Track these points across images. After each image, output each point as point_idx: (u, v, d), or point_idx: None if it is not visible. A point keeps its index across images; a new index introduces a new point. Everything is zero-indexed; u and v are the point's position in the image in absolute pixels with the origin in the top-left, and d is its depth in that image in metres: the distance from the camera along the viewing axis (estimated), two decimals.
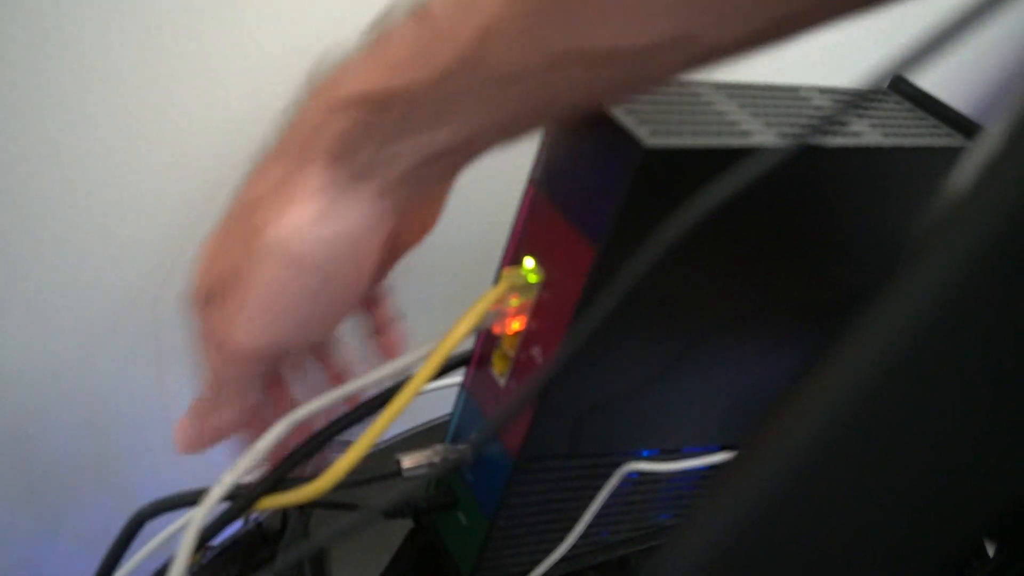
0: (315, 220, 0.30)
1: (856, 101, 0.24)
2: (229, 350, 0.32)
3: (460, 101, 0.28)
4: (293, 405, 0.36)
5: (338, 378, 0.39)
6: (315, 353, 0.39)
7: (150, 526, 0.38)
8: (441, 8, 0.27)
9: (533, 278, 0.34)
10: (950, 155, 0.37)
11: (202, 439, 0.36)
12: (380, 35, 0.29)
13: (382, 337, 0.39)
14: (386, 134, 0.29)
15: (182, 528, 0.36)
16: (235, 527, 0.45)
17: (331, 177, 0.29)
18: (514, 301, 0.35)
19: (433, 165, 0.30)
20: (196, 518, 0.36)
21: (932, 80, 0.41)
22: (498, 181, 0.38)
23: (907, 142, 0.36)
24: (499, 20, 0.26)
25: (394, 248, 0.35)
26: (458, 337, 0.34)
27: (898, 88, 0.41)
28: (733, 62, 0.28)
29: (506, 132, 0.29)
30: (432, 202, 0.35)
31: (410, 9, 0.28)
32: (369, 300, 0.38)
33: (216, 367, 0.33)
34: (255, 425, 0.36)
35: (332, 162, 0.29)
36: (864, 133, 0.35)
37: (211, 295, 0.32)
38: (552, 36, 0.26)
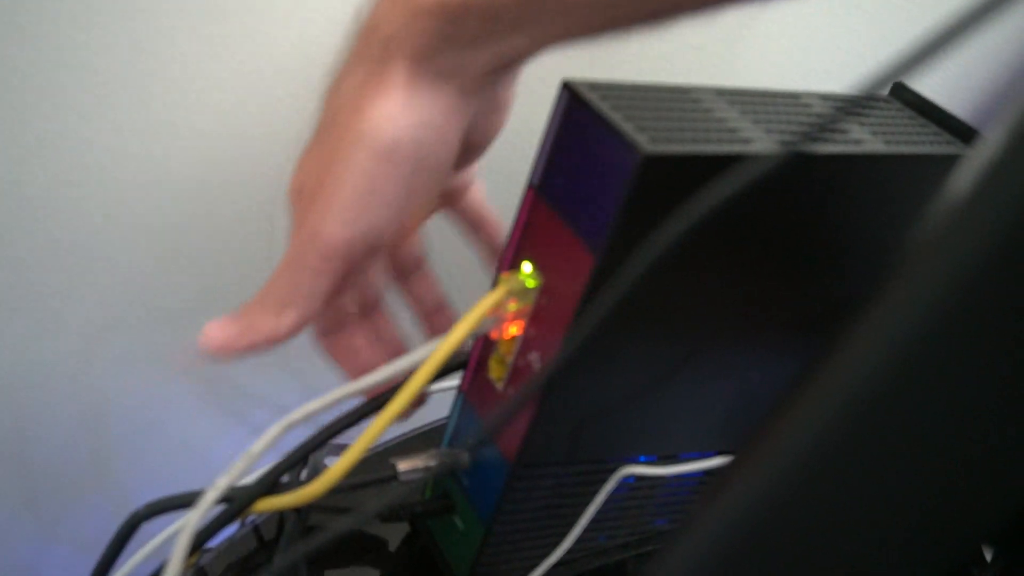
0: (402, 109, 0.31)
1: (850, 107, 0.24)
2: (322, 240, 0.32)
3: (540, 11, 0.29)
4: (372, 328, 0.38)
5: (419, 304, 0.41)
6: (397, 272, 0.40)
7: (147, 528, 0.38)
8: None
9: (531, 283, 0.34)
10: (951, 162, 0.37)
11: (244, 339, 0.35)
12: None
13: (434, 317, 0.41)
14: (465, 42, 0.30)
15: (178, 531, 0.36)
16: (231, 530, 0.45)
17: (414, 73, 0.31)
18: (512, 306, 0.35)
19: (509, 69, 0.32)
20: (191, 521, 0.36)
21: (933, 86, 0.41)
22: (497, 185, 0.38)
23: (908, 149, 0.36)
24: None
25: (467, 150, 0.36)
26: (456, 341, 0.34)
27: (899, 95, 0.41)
28: None
29: (584, 35, 0.30)
30: (501, 105, 0.36)
31: None
32: (408, 266, 0.41)
33: (303, 259, 0.33)
34: (325, 328, 0.38)
35: (414, 63, 0.31)
36: (865, 140, 0.35)
37: (305, 189, 0.33)
38: None
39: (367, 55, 0.32)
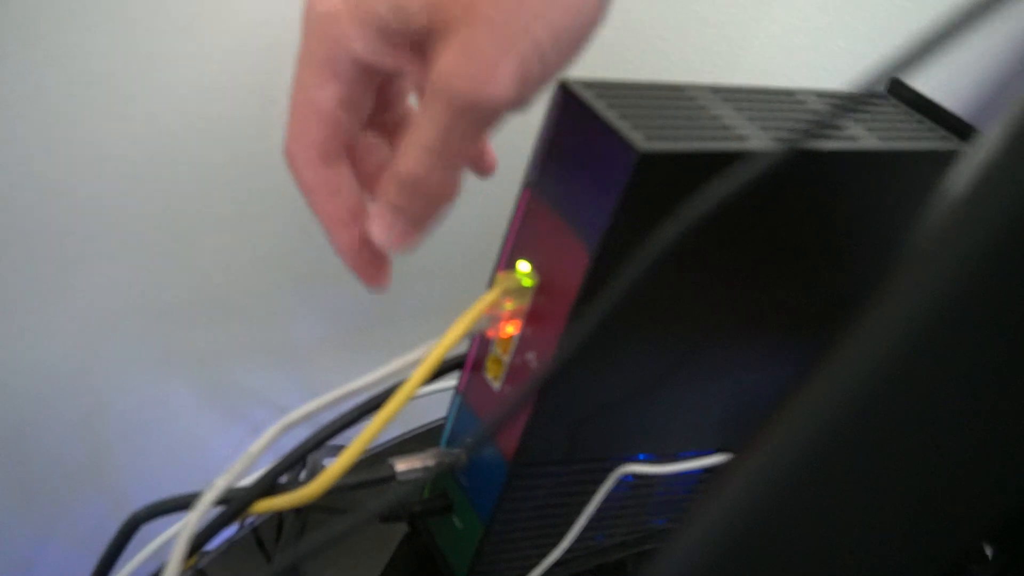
0: None
1: (848, 104, 0.24)
2: (487, 97, 0.28)
3: None
4: None
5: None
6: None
7: (145, 530, 0.38)
8: None
9: (528, 282, 0.34)
10: (948, 159, 0.37)
11: (417, 215, 0.31)
12: None
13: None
14: None
15: (177, 533, 0.36)
16: (230, 531, 0.45)
17: None
18: (509, 305, 0.35)
19: None
20: (190, 523, 0.36)
21: (930, 83, 0.41)
22: (493, 184, 0.38)
23: (905, 146, 0.36)
24: None
25: None
26: (452, 341, 0.34)
27: (896, 92, 0.41)
28: None
29: None
30: None
31: None
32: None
33: (457, 111, 0.28)
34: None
35: None
36: (862, 137, 0.35)
37: (442, 29, 0.28)
38: None
39: None
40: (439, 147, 0.29)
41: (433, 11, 0.28)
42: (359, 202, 0.32)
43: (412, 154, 0.29)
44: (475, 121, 0.28)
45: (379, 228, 0.31)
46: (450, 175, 0.30)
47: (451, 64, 0.28)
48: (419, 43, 0.29)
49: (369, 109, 0.32)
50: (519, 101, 0.28)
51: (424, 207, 0.31)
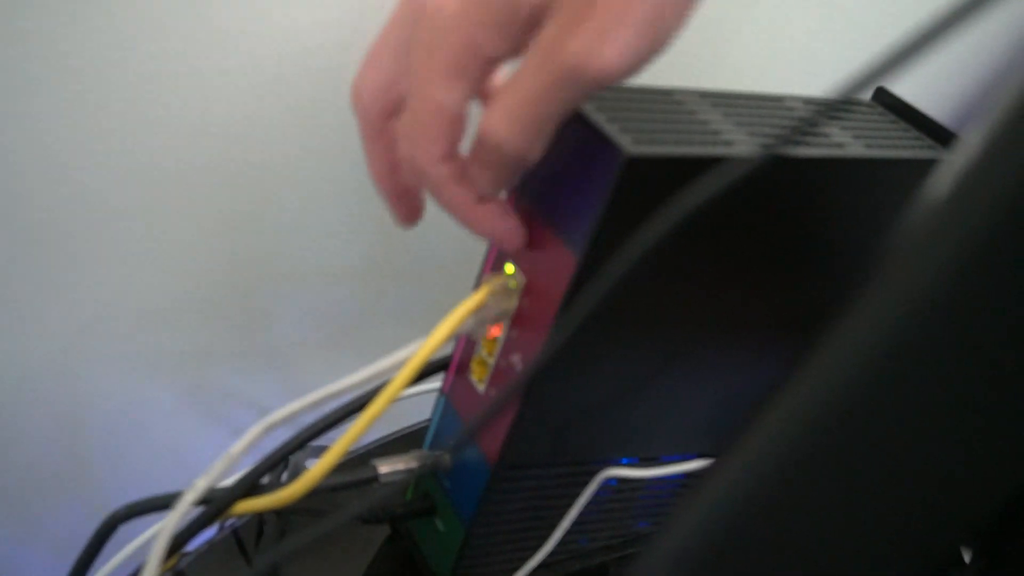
0: None
1: (830, 110, 0.24)
2: (595, 65, 0.26)
3: None
4: None
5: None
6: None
7: (124, 530, 0.38)
8: None
9: (514, 284, 0.34)
10: (931, 167, 0.37)
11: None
12: None
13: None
14: None
15: (156, 534, 0.36)
16: (210, 533, 0.44)
17: None
18: (494, 307, 0.35)
19: None
20: (169, 523, 0.35)
21: (915, 91, 0.41)
22: None
23: (889, 153, 0.36)
24: None
25: None
26: (437, 342, 0.34)
27: (881, 99, 0.41)
28: None
29: None
30: None
31: None
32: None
33: (559, 80, 0.27)
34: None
35: None
36: (847, 144, 0.35)
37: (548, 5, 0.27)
38: None
39: None
40: (530, 113, 0.28)
41: None
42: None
43: (497, 116, 0.28)
44: (576, 91, 0.27)
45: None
46: (535, 143, 0.29)
47: (562, 29, 0.26)
48: (536, 23, 0.28)
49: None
50: (629, 72, 0.27)
51: (501, 170, 0.30)
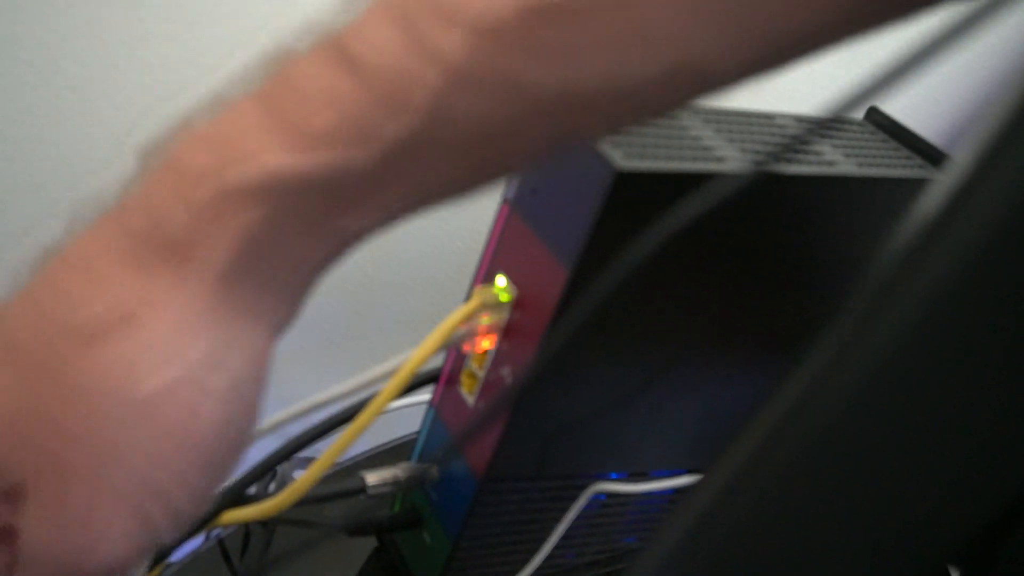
0: (210, 366, 0.22)
1: (820, 128, 0.24)
2: (92, 559, 0.22)
3: (408, 174, 0.22)
4: None
5: None
6: None
7: None
8: (374, 53, 0.20)
9: (505, 297, 0.34)
10: (922, 187, 0.37)
11: None
12: (281, 81, 0.21)
13: None
14: (303, 227, 0.22)
15: None
16: (195, 543, 0.44)
17: (225, 297, 0.22)
18: (485, 319, 0.35)
19: (349, 248, 0.23)
20: None
21: (907, 111, 0.41)
22: (472, 200, 0.38)
23: (880, 172, 0.36)
24: (469, 65, 0.20)
25: None
26: (426, 354, 0.33)
27: (873, 119, 0.41)
28: (727, 92, 0.24)
29: (456, 195, 0.23)
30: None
31: (319, 46, 0.21)
32: None
33: None
34: None
35: (227, 274, 0.21)
36: (838, 162, 0.35)
37: (20, 490, 0.22)
38: (542, 77, 0.20)
39: (148, 251, 0.22)
40: None
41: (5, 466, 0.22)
42: None
43: None
44: None
45: None
46: None
47: (41, 530, 0.22)
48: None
49: None
50: (149, 551, 0.23)
51: None
